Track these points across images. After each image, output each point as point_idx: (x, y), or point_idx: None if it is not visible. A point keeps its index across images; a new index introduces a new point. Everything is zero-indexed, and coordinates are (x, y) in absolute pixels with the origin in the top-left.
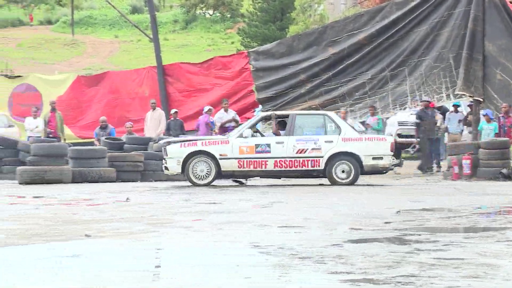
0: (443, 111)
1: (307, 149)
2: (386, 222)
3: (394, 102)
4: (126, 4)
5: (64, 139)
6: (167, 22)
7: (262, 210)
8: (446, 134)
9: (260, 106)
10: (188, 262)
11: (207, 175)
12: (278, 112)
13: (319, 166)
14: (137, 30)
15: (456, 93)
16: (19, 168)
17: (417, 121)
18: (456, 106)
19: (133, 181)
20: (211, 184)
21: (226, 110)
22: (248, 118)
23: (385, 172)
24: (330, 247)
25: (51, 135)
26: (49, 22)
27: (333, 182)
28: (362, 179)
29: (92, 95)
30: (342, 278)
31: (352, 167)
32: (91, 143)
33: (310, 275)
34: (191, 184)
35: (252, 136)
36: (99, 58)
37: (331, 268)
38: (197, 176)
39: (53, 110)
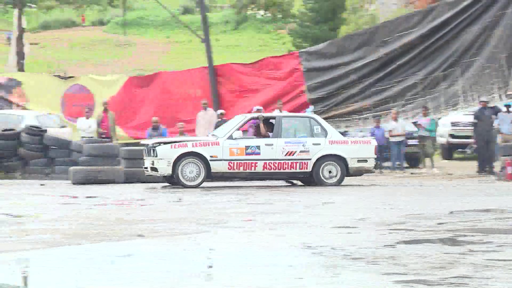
0: (495, 111)
1: (296, 151)
2: (439, 223)
3: (446, 102)
4: (178, 4)
5: (117, 140)
6: (218, 22)
7: (313, 210)
8: (498, 135)
9: (311, 107)
10: (240, 262)
11: (196, 176)
12: (265, 114)
13: (306, 168)
14: (189, 30)
15: (508, 93)
16: (72, 168)
17: (475, 121)
18: (508, 106)
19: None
20: (200, 186)
21: (280, 111)
22: None
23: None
24: (383, 248)
25: (103, 136)
26: (101, 23)
27: (320, 184)
28: (413, 179)
29: (144, 95)
30: (395, 279)
31: (338, 169)
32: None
33: (363, 276)
34: (180, 185)
35: (241, 138)
36: (151, 59)
37: (384, 269)
38: (186, 177)
39: (106, 110)
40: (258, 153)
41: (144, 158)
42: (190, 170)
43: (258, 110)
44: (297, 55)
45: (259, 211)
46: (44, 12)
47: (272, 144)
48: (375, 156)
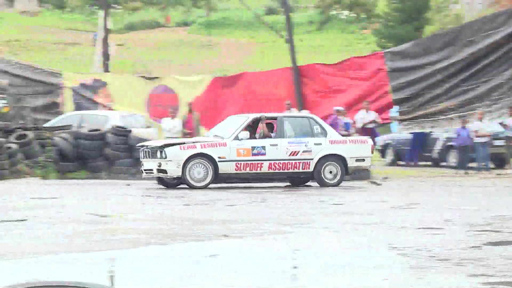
0: None
1: (299, 151)
2: None
3: None
4: (262, 5)
5: None
6: (302, 23)
7: (398, 211)
8: None
9: (396, 107)
10: (324, 262)
11: (204, 177)
12: (267, 114)
13: (308, 168)
14: (273, 31)
15: None
16: None
17: None
18: None
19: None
20: (208, 187)
21: (367, 111)
22: (384, 119)
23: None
24: (469, 249)
25: (188, 136)
26: (185, 24)
27: (322, 184)
28: (499, 180)
29: (228, 96)
30: (482, 281)
31: (338, 169)
32: None
33: (449, 277)
34: (188, 186)
35: (248, 138)
36: (235, 59)
37: (471, 271)
38: (194, 178)
39: (190, 111)
40: (264, 154)
41: (143, 159)
42: (198, 171)
43: (338, 111)
44: (381, 55)
45: (341, 211)
46: (129, 13)
47: (276, 145)
48: (372, 155)
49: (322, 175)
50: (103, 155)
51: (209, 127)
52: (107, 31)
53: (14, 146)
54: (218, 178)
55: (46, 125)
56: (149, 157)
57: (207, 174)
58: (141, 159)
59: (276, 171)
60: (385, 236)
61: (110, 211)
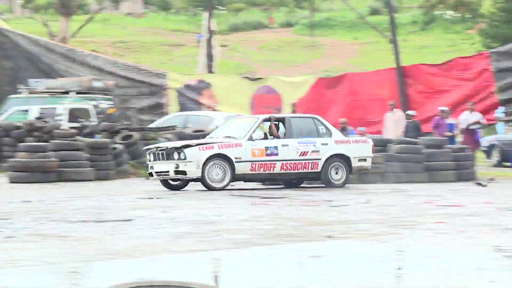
0: None
1: (308, 151)
2: None
3: None
4: (365, 5)
5: None
6: (406, 23)
7: (504, 213)
8: None
9: (502, 108)
10: (430, 264)
11: (222, 178)
12: (276, 115)
13: (317, 168)
14: (376, 31)
15: None
16: None
17: None
18: None
19: (373, 182)
20: (226, 188)
21: (471, 112)
22: (490, 120)
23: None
24: None
25: None
26: (289, 25)
27: (328, 184)
28: None
29: (331, 96)
30: None
31: (344, 169)
32: None
33: None
34: (206, 188)
35: (262, 139)
36: (338, 60)
37: None
38: (212, 179)
39: (294, 111)
40: (276, 154)
41: (152, 162)
42: (216, 172)
43: (442, 112)
44: (487, 55)
45: (451, 213)
46: (233, 15)
47: (287, 145)
48: (373, 155)
49: (329, 176)
50: None
51: None
52: (211, 32)
53: (119, 146)
54: (235, 179)
55: (151, 126)
56: (163, 159)
57: (225, 175)
58: (148, 162)
59: (288, 171)
60: (491, 237)
61: (217, 211)
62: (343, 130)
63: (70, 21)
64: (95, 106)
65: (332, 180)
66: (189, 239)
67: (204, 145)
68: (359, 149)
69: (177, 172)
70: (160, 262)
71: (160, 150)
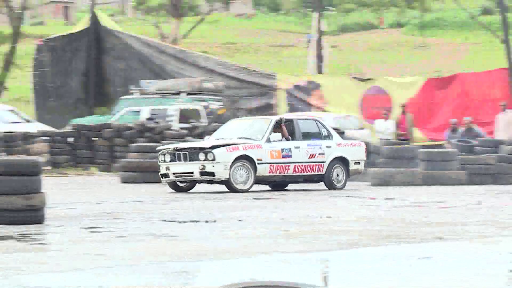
0: None
1: (316, 153)
2: None
3: None
4: (477, 5)
5: (414, 141)
6: None
7: None
8: None
9: None
10: None
11: (246, 180)
12: (286, 117)
13: (322, 171)
14: (488, 31)
15: None
16: (371, 169)
17: None
18: None
19: (484, 184)
20: (249, 190)
21: None
22: None
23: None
24: None
25: (401, 138)
26: (399, 25)
27: (331, 187)
28: None
29: (442, 97)
30: None
31: (344, 172)
32: (441, 146)
33: None
34: (230, 190)
35: (279, 140)
36: (449, 61)
37: None
38: (237, 181)
39: (404, 112)
40: (290, 156)
41: (168, 163)
42: (240, 174)
43: None
44: None
45: None
46: (343, 15)
47: (299, 147)
48: (365, 159)
49: (332, 178)
50: None
51: (423, 129)
52: (321, 33)
53: None
54: (257, 181)
55: None
56: (185, 160)
57: (248, 177)
58: (160, 163)
59: (299, 174)
60: None
61: (324, 212)
62: (453, 131)
63: (181, 23)
64: (206, 107)
65: (335, 184)
66: (297, 239)
67: (231, 146)
68: (355, 152)
69: (203, 173)
70: (269, 262)
71: (180, 150)
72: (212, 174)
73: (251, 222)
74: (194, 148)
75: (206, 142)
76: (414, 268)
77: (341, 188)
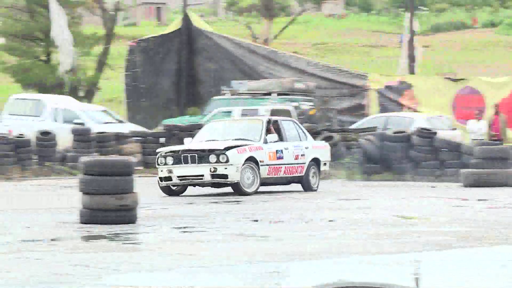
0: None
1: (299, 155)
2: None
3: None
4: None
5: (507, 142)
6: None
7: None
8: None
9: None
10: None
11: (252, 182)
12: (273, 118)
13: (302, 172)
14: None
15: None
16: (463, 170)
17: None
18: None
19: None
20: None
21: None
22: None
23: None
24: None
25: (494, 138)
26: (493, 25)
27: (308, 188)
28: None
29: None
30: None
31: (317, 173)
32: None
33: None
34: (238, 193)
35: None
36: None
37: None
38: (244, 184)
39: (497, 113)
40: (282, 158)
41: (172, 165)
42: (247, 176)
43: None
44: None
45: None
46: (435, 15)
47: (288, 148)
48: (330, 160)
49: (310, 180)
50: (408, 157)
51: None
52: (413, 33)
53: None
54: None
55: (352, 127)
56: (193, 162)
57: (254, 179)
58: (160, 166)
59: (286, 175)
60: None
61: (415, 213)
62: None
63: (272, 23)
64: (297, 108)
65: (312, 185)
66: (389, 240)
67: (241, 148)
68: (324, 153)
69: (214, 176)
70: (361, 263)
71: (187, 152)
72: (224, 176)
73: (342, 223)
74: (203, 150)
75: (213, 144)
76: (507, 269)
77: (315, 190)
